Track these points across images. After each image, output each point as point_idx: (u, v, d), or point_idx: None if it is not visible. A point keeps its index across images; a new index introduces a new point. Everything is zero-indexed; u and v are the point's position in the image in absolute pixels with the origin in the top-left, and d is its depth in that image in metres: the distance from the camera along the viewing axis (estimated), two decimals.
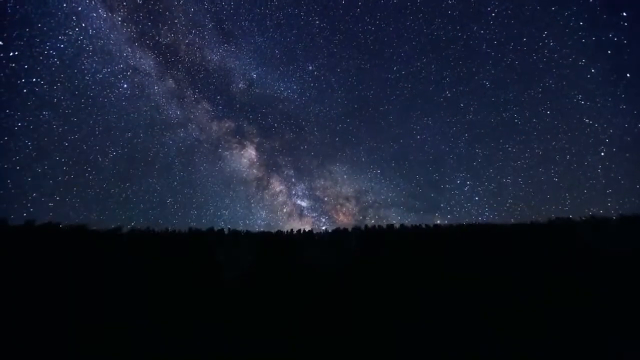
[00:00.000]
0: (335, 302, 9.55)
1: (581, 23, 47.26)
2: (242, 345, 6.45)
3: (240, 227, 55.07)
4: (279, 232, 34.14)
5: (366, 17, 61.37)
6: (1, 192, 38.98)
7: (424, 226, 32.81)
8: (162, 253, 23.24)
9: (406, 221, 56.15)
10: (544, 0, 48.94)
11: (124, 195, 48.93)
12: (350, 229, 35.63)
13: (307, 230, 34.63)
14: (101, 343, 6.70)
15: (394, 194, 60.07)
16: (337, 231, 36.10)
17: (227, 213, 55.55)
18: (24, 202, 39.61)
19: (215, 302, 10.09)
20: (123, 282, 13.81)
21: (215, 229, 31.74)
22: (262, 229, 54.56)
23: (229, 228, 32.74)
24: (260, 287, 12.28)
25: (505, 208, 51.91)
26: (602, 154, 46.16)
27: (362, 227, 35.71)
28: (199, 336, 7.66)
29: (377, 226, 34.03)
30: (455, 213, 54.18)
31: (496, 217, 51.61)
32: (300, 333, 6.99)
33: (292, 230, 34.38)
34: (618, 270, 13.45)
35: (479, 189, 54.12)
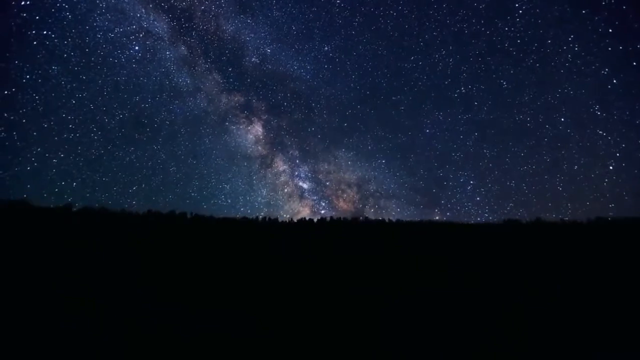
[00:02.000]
0: (308, 297, 8.96)
1: (610, 30, 41.82)
2: (207, 339, 6.15)
3: (240, 202, 55.67)
4: (245, 219, 35.04)
5: (389, 1, 57.41)
6: (7, 143, 39.27)
7: (387, 221, 32.09)
8: (115, 235, 24.41)
9: (405, 214, 55.31)
10: (575, 1, 43.19)
11: (127, 159, 50.09)
12: (315, 220, 35.79)
13: (272, 218, 35.23)
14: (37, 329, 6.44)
15: (396, 186, 58.80)
16: (301, 221, 36.38)
17: (228, 187, 56.42)
18: (28, 155, 40.42)
19: (174, 292, 9.47)
20: (68, 265, 13.76)
21: (177, 212, 32.99)
22: (262, 207, 56.23)
23: (191, 213, 33.91)
24: (228, 277, 11.72)
25: (505, 211, 49.64)
26: (611, 167, 42.50)
27: (328, 218, 35.69)
28: (150, 325, 7.24)
29: (334, 218, 33.87)
30: (455, 211, 52.66)
31: (495, 219, 49.56)
32: (279, 330, 6.69)
33: (257, 217, 35.19)
34: (616, 272, 13.27)
35: (482, 189, 51.99)
